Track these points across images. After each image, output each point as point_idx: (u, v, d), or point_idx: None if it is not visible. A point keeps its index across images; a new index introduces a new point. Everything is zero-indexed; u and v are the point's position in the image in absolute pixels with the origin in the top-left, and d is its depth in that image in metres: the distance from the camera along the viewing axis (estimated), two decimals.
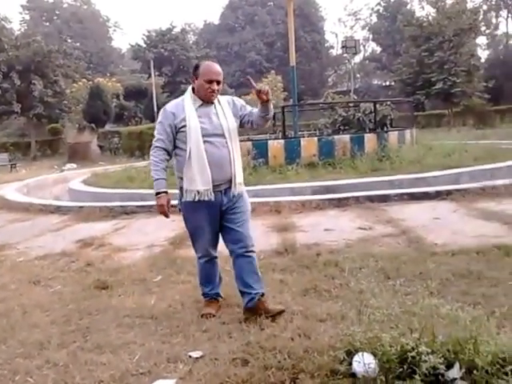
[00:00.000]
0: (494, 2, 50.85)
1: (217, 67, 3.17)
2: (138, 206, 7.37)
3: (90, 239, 5.88)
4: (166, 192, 3.20)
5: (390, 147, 10.12)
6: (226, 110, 3.21)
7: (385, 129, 10.99)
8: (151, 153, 3.24)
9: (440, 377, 2.24)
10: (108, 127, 31.27)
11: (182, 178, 3.19)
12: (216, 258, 3.43)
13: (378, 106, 11.21)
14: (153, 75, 34.03)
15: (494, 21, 50.91)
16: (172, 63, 43.60)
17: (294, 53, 11.90)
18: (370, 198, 6.86)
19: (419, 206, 6.56)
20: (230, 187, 3.20)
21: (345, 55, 45.20)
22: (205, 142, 3.08)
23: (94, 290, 4.05)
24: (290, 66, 11.83)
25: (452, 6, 33.07)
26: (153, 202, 7.41)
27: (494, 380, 2.14)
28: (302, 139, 9.99)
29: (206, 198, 3.12)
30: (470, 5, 36.94)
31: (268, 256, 4.53)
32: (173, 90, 41.26)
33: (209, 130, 3.10)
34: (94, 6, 61.81)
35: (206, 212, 3.19)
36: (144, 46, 45.10)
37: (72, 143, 26.06)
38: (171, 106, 3.24)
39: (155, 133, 3.24)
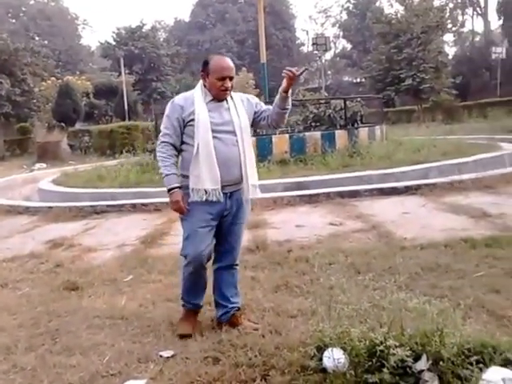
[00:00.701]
0: (459, 0, 51.90)
1: (228, 62, 2.93)
2: (108, 206, 7.27)
3: (60, 240, 5.77)
4: (179, 187, 2.93)
5: (361, 143, 10.23)
6: (239, 106, 2.99)
7: (355, 125, 11.08)
8: (158, 148, 3.01)
9: (408, 369, 2.27)
10: (78, 126, 30.68)
11: (186, 176, 2.94)
12: (204, 267, 3.06)
13: (348, 102, 11.30)
14: (123, 73, 33.59)
15: (460, 18, 51.96)
16: (143, 61, 43.08)
17: (265, 50, 11.92)
18: (341, 194, 6.93)
19: (389, 201, 6.65)
20: (237, 190, 2.97)
21: (315, 52, 45.47)
22: (214, 137, 2.85)
23: (64, 291, 3.98)
24: (260, 63, 11.84)
25: (419, 4, 33.55)
26: (123, 202, 7.45)
27: (460, 370, 2.18)
28: (273, 136, 10.00)
29: (214, 199, 2.87)
30: (436, 2, 37.53)
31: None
32: (144, 87, 40.86)
33: (219, 126, 2.89)
34: (62, 2, 60.59)
35: (209, 215, 2.93)
36: (114, 43, 44.40)
37: (41, 142, 25.46)
38: (180, 98, 2.99)
39: (162, 127, 3.00)
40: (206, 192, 2.86)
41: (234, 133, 2.91)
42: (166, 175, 2.94)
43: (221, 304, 3.12)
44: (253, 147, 3.05)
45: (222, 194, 2.88)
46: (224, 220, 2.99)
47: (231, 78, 2.91)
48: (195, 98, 2.92)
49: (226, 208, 2.96)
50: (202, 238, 2.94)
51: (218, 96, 2.92)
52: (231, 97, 2.98)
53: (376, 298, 3.10)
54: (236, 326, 3.02)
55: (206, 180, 2.85)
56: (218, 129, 2.88)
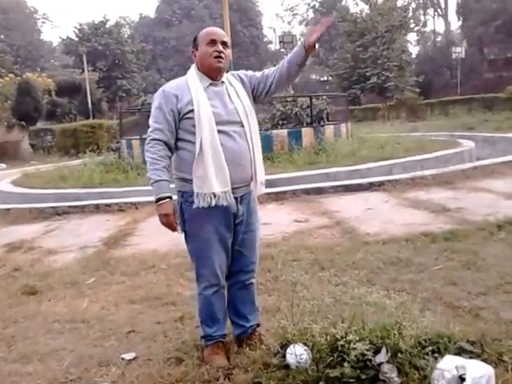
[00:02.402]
0: (421, 1, 53.12)
1: (216, 28, 2.55)
2: (70, 207, 7.11)
3: (19, 243, 5.61)
4: (169, 197, 2.43)
5: (327, 141, 10.33)
6: (239, 89, 2.52)
7: (321, 123, 11.18)
8: (147, 147, 2.46)
9: (368, 362, 2.31)
10: (40, 125, 29.91)
11: (186, 180, 2.46)
12: (223, 287, 2.66)
13: (314, 100, 11.39)
14: (86, 70, 32.94)
15: (422, 18, 53.17)
16: (107, 58, 42.31)
17: (232, 48, 11.86)
18: (307, 191, 6.99)
19: (353, 198, 6.74)
20: (247, 193, 2.55)
21: (283, 50, 45.64)
22: (219, 131, 2.40)
23: (22, 296, 3.87)
24: None
25: (383, 3, 34.15)
26: (86, 202, 7.30)
27: (417, 361, 2.25)
28: None
29: (225, 203, 2.42)
30: (399, 3, 38.34)
31: None
32: (108, 85, 40.14)
33: (223, 117, 2.42)
34: None
35: (220, 224, 2.49)
36: (76, 39, 43.44)
37: (0, 142, 24.74)
38: (171, 86, 2.48)
39: (151, 121, 2.47)
40: (214, 196, 2.39)
41: (240, 123, 2.46)
42: (156, 181, 2.41)
43: (237, 323, 2.74)
44: None
45: (232, 197, 2.44)
46: (236, 230, 2.55)
47: (224, 44, 2.47)
48: (190, 85, 2.44)
49: (238, 215, 2.52)
50: (215, 254, 2.51)
51: (212, 68, 2.45)
52: (229, 81, 2.53)
53: (338, 293, 3.13)
54: (258, 346, 2.62)
55: (213, 182, 2.38)
56: (223, 120, 2.42)
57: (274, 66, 2.65)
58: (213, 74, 2.47)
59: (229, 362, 2.56)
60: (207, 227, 2.48)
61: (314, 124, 10.85)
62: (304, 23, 59.73)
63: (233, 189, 2.44)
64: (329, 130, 10.90)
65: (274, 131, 10.31)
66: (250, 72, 2.63)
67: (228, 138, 2.42)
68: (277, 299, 3.29)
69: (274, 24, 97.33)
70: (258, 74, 2.62)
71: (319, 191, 7.04)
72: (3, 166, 19.76)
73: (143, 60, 47.31)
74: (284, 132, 10.22)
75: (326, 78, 50.51)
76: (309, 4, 58.04)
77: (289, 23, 65.08)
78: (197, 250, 2.54)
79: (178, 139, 2.48)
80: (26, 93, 27.19)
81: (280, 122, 11.50)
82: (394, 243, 4.46)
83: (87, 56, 34.10)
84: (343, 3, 55.25)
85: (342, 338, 2.42)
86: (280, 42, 39.18)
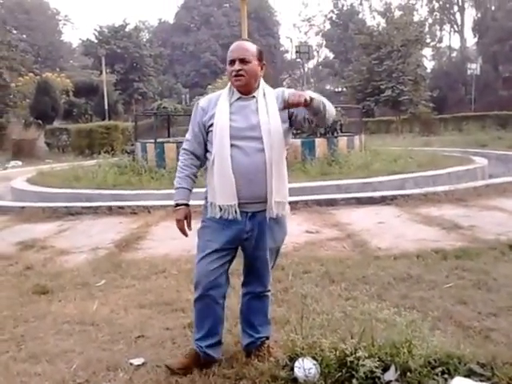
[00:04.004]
0: (438, 17, 53.14)
1: (239, 43, 2.50)
2: (83, 207, 7.16)
3: (32, 241, 5.65)
4: (186, 204, 2.58)
5: (340, 152, 10.33)
6: (271, 105, 2.45)
7: (335, 134, 11.19)
8: (179, 156, 2.66)
9: (377, 379, 2.30)
10: (56, 124, 30.25)
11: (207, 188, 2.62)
12: (218, 303, 2.64)
13: None
14: (104, 72, 33.26)
15: (438, 34, 53.25)
16: (125, 60, 42.74)
17: None
18: (319, 202, 6.98)
19: (365, 211, 6.72)
20: (261, 211, 2.49)
21: (299, 60, 45.84)
22: (232, 145, 2.41)
23: (33, 295, 3.89)
24: None
25: (400, 18, 34.23)
26: (99, 204, 7.35)
27: (426, 381, 2.23)
28: None
29: (230, 217, 2.45)
30: (416, 17, 38.40)
31: None
32: (125, 87, 40.51)
33: (240, 131, 2.42)
34: None
35: (225, 236, 2.52)
36: (96, 41, 43.97)
37: (17, 139, 24.98)
38: (204, 100, 2.60)
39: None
40: (220, 209, 2.47)
41: (259, 139, 2.41)
42: (177, 188, 2.60)
43: (247, 332, 2.75)
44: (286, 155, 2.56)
45: (238, 212, 2.45)
46: (246, 244, 2.56)
47: (242, 61, 2.43)
48: (220, 99, 2.51)
49: (246, 230, 2.50)
50: (213, 264, 2.53)
51: (234, 86, 2.48)
52: (264, 94, 2.49)
53: (348, 308, 3.13)
54: (266, 358, 2.62)
55: (219, 195, 2.46)
56: (240, 135, 2.42)
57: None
58: (240, 90, 2.49)
59: (181, 368, 2.58)
60: (212, 236, 2.54)
61: (328, 135, 10.85)
62: (320, 34, 59.97)
63: (244, 204, 2.45)
64: (342, 141, 10.89)
65: None
66: (291, 91, 2.45)
67: (241, 152, 2.42)
68: (286, 311, 3.28)
69: (290, 34, 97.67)
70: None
71: (331, 203, 7.03)
72: (19, 163, 19.95)
73: (160, 64, 47.71)
74: (298, 142, 10.23)
75: (340, 89, 50.55)
76: (326, 15, 58.32)
77: (305, 33, 65.14)
78: (198, 256, 2.60)
79: (207, 150, 2.57)
80: (44, 92, 27.50)
81: (294, 132, 11.51)
82: (405, 259, 4.44)
83: (106, 58, 34.45)
84: (360, 16, 55.41)
85: (351, 353, 2.41)
86: (296, 51, 39.35)
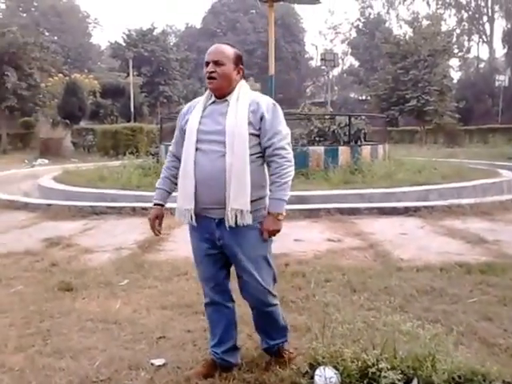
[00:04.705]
0: (466, 27, 52.52)
1: (216, 45, 2.49)
2: (108, 207, 7.27)
3: (57, 239, 5.76)
4: (161, 205, 2.61)
5: (363, 161, 10.27)
6: (241, 111, 2.36)
7: (358, 142, 11.14)
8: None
9: None
10: (83, 124, 30.79)
11: None
12: (219, 304, 2.61)
13: (353, 119, 11.36)
14: (131, 74, 33.71)
15: (466, 44, 52.53)
16: (151, 64, 43.23)
17: (274, 62, 11.99)
18: (341, 211, 6.95)
19: (388, 221, 6.67)
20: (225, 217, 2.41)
21: (323, 67, 45.77)
22: (198, 149, 2.38)
23: (58, 291, 3.96)
24: (268, 74, 11.90)
25: (427, 27, 33.89)
26: (123, 204, 7.45)
27: None
28: None
29: (186, 221, 2.47)
30: (444, 27, 37.99)
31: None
32: (151, 90, 40.95)
33: (207, 134, 2.38)
34: (73, 0, 60.93)
35: (202, 242, 2.51)
36: (124, 44, 44.62)
37: (44, 138, 25.52)
38: (187, 104, 2.63)
39: None
40: (180, 212, 2.47)
41: (223, 143, 2.34)
42: (155, 189, 2.68)
43: (262, 339, 2.75)
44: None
45: (194, 218, 2.42)
46: (225, 252, 2.49)
47: (216, 63, 2.39)
48: (198, 103, 2.52)
49: (216, 237, 2.45)
50: (208, 271, 2.56)
51: (209, 89, 2.47)
52: (238, 98, 2.42)
53: (370, 318, 3.12)
54: (286, 365, 2.63)
55: (179, 197, 2.47)
56: (205, 138, 2.39)
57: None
58: (214, 93, 2.47)
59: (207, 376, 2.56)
60: (192, 242, 2.59)
61: (352, 143, 10.81)
62: (346, 42, 59.81)
63: (205, 209, 2.41)
64: (366, 150, 10.83)
65: (311, 147, 10.31)
66: (263, 111, 2.40)
67: (204, 156, 2.38)
68: (307, 319, 3.28)
69: (316, 41, 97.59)
70: (267, 124, 2.40)
71: (354, 212, 6.99)
72: (46, 161, 20.34)
73: (186, 68, 48.12)
74: (321, 149, 10.21)
75: (364, 98, 50.25)
76: (352, 24, 58.11)
77: (331, 41, 64.97)
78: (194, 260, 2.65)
79: None
80: (72, 93, 28.03)
81: (317, 139, 11.52)
82: (428, 271, 4.39)
83: (133, 61, 34.93)
84: (387, 25, 55.11)
85: (373, 364, 2.40)
86: (321, 59, 39.39)
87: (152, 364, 2.74)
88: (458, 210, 7.11)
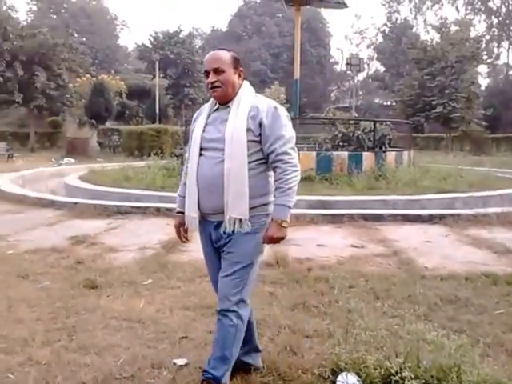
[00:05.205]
0: (496, 33, 51.63)
1: (213, 53, 2.41)
2: (132, 207, 7.35)
3: (83, 237, 5.85)
4: (183, 212, 2.55)
5: (388, 167, 10.20)
6: (241, 117, 2.31)
7: (383, 148, 11.06)
8: None
9: None
10: (108, 124, 31.30)
11: None
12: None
13: (378, 125, 11.29)
14: (157, 76, 34.11)
15: (495, 51, 51.67)
16: (177, 66, 43.68)
17: (299, 66, 11.99)
18: (365, 217, 6.90)
19: (412, 228, 6.60)
20: (223, 221, 2.37)
21: (348, 72, 45.55)
22: (201, 156, 2.39)
23: (83, 288, 4.03)
24: (294, 78, 11.91)
25: (456, 33, 33.50)
26: (148, 204, 7.53)
27: None
28: (300, 152, 10.01)
29: (190, 228, 2.51)
30: (473, 33, 37.46)
31: (259, 267, 4.53)
32: (176, 92, 41.36)
33: (209, 141, 2.37)
34: (102, 2, 62.02)
35: (204, 246, 2.57)
36: (150, 46, 45.20)
37: (71, 138, 26.06)
38: (198, 110, 2.60)
39: None
40: (187, 219, 2.47)
41: (223, 150, 2.31)
42: (177, 195, 2.65)
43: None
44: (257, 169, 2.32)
45: (197, 224, 2.44)
46: (220, 252, 2.47)
47: (216, 71, 2.34)
48: (204, 110, 2.51)
49: (214, 239, 2.46)
50: (210, 272, 2.60)
51: (213, 98, 2.44)
52: (238, 103, 2.36)
53: (394, 326, 3.09)
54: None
55: (186, 205, 2.47)
56: (207, 146, 2.38)
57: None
58: (218, 101, 2.43)
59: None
60: (202, 245, 2.58)
61: (376, 149, 10.74)
62: (372, 47, 59.46)
63: (207, 214, 2.41)
64: (390, 156, 10.75)
65: (335, 152, 10.28)
66: (263, 115, 2.32)
67: (207, 163, 2.36)
68: (330, 324, 3.26)
69: (341, 45, 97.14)
70: (267, 129, 2.32)
71: (377, 218, 6.93)
72: (72, 160, 20.71)
73: None
74: (345, 154, 10.17)
75: (389, 103, 49.85)
76: (378, 29, 57.78)
77: (357, 46, 64.86)
78: None
79: None
80: (99, 93, 28.51)
81: (341, 144, 11.48)
82: (453, 280, 4.33)
83: (159, 63, 35.35)
84: (414, 30, 54.59)
85: (396, 373, 2.38)
86: (347, 63, 39.25)
87: (174, 363, 2.76)
88: (484, 219, 6.98)
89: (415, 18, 57.32)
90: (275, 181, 2.36)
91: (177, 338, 3.11)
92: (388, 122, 12.89)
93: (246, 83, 2.46)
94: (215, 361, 2.39)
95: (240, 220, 2.31)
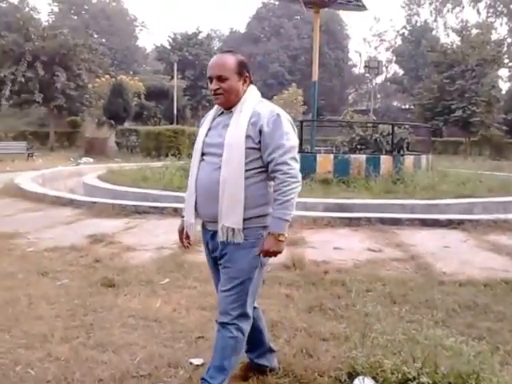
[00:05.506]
0: None
1: (217, 58, 2.33)
2: (150, 207, 7.40)
3: (101, 236, 5.91)
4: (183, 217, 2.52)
5: (405, 171, 10.11)
6: (241, 122, 2.24)
7: (401, 152, 10.97)
8: None
9: None
10: (127, 125, 31.54)
11: None
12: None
13: (396, 128, 11.21)
14: (175, 77, 34.31)
15: None
16: (195, 67, 43.91)
17: (318, 68, 11.97)
18: (382, 220, 6.85)
19: (430, 233, 6.53)
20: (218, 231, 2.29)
21: (367, 75, 45.32)
22: (202, 160, 2.34)
23: (101, 287, 4.08)
24: (311, 80, 11.89)
25: (477, 36, 33.09)
26: (165, 204, 7.58)
27: None
28: (318, 155, 10.02)
29: (189, 233, 2.47)
30: (494, 36, 37.02)
31: (275, 269, 4.53)
32: (194, 93, 41.57)
33: (210, 147, 2.32)
34: (122, 3, 62.56)
35: (205, 252, 2.52)
36: (169, 47, 45.54)
37: (90, 138, 26.36)
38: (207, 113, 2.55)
39: None
40: (186, 225, 2.45)
41: (221, 156, 2.24)
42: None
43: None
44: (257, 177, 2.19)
45: (195, 230, 2.40)
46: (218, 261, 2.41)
47: (219, 78, 2.26)
48: (210, 114, 2.46)
49: (210, 249, 2.42)
50: (212, 275, 2.57)
51: (216, 104, 2.39)
52: (241, 109, 2.29)
53: (411, 330, 3.06)
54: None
55: (185, 211, 2.44)
56: (208, 151, 2.33)
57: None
58: (221, 107, 2.38)
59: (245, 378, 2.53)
60: (205, 250, 2.52)
61: (394, 152, 10.66)
62: (391, 49, 59.04)
63: (205, 221, 2.38)
64: (408, 160, 10.66)
65: (352, 155, 10.23)
66: (263, 122, 2.23)
67: (206, 168, 2.30)
68: (346, 327, 3.25)
69: (360, 48, 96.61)
70: (267, 137, 2.23)
71: (395, 222, 6.87)
72: (90, 160, 20.94)
73: None
74: (362, 157, 10.11)
75: (407, 106, 49.43)
76: (398, 31, 57.31)
77: (375, 48, 64.25)
78: None
79: None
80: (118, 94, 28.74)
81: (358, 147, 11.42)
82: (471, 286, 4.28)
83: (177, 64, 35.55)
84: (434, 33, 54.05)
85: (414, 378, 2.36)
86: (365, 66, 39.04)
87: (191, 363, 2.79)
88: (504, 225, 6.87)
89: (435, 20, 56.72)
90: (273, 192, 2.26)
91: (193, 338, 3.13)
92: (406, 126, 12.79)
93: (252, 88, 2.39)
94: (213, 370, 2.34)
95: (233, 229, 2.23)
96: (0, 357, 2.84)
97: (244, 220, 2.23)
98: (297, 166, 2.26)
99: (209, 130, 2.36)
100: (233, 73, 2.28)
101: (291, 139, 2.26)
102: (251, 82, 2.38)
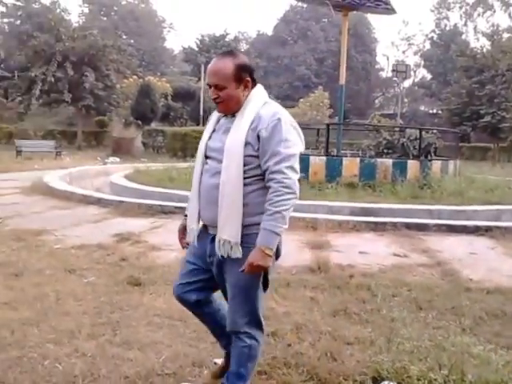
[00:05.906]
0: None
1: (213, 65, 2.21)
2: (176, 207, 7.45)
3: (127, 234, 5.99)
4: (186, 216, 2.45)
5: (433, 176, 9.98)
6: (242, 127, 2.15)
7: (428, 157, 10.83)
8: None
9: None
10: (153, 125, 31.89)
11: None
12: (196, 308, 2.51)
13: (423, 133, 11.07)
14: (202, 79, 34.56)
15: None
16: None
17: (345, 71, 11.90)
18: (408, 226, 6.77)
19: (457, 239, 6.43)
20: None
21: (394, 79, 44.88)
22: (204, 165, 2.29)
23: (127, 285, 4.13)
24: (338, 84, 11.83)
25: (508, 41, 32.45)
26: None
27: None
28: (344, 158, 9.95)
29: (190, 240, 2.37)
30: None
31: (300, 272, 4.52)
32: None
33: (211, 150, 2.25)
34: (151, 5, 63.36)
35: (195, 252, 2.40)
36: (196, 49, 45.94)
37: (117, 137, 26.72)
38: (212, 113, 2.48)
39: None
40: (187, 228, 2.38)
41: (221, 161, 2.17)
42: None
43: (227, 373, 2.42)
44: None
45: (195, 237, 2.32)
46: (212, 270, 2.31)
47: (216, 87, 2.18)
48: (215, 114, 2.37)
49: (208, 253, 2.29)
50: (184, 270, 2.43)
51: (218, 111, 2.31)
52: (243, 113, 2.18)
53: (438, 337, 3.03)
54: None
55: (188, 214, 2.37)
56: (210, 155, 2.27)
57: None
58: (222, 113, 2.31)
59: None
60: (189, 249, 2.44)
61: (421, 157, 10.52)
62: (419, 54, 58.33)
63: (206, 226, 2.30)
64: (436, 165, 10.51)
65: (379, 159, 10.14)
66: (262, 128, 2.12)
67: (208, 173, 2.24)
68: (371, 332, 3.22)
69: (388, 52, 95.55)
70: (264, 144, 2.12)
71: (421, 227, 6.79)
72: (117, 159, 21.23)
73: (255, 75, 48.80)
74: (389, 161, 10.01)
75: (435, 111, 48.72)
76: (426, 35, 56.59)
77: (403, 52, 63.46)
78: None
79: None
80: (145, 95, 29.10)
81: (385, 151, 11.31)
82: (499, 294, 4.20)
83: (204, 66, 35.82)
84: (463, 37, 53.21)
85: None
86: (393, 70, 38.70)
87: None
88: None
89: (465, 24, 55.80)
90: (266, 201, 2.11)
91: None
92: (434, 131, 12.62)
93: (258, 88, 2.27)
94: (232, 376, 2.32)
95: (230, 243, 2.14)
96: (29, 351, 2.90)
97: (244, 226, 2.13)
98: (294, 176, 2.11)
99: (213, 131, 2.30)
100: (230, 81, 2.16)
101: (290, 147, 2.12)
102: (255, 84, 2.27)
